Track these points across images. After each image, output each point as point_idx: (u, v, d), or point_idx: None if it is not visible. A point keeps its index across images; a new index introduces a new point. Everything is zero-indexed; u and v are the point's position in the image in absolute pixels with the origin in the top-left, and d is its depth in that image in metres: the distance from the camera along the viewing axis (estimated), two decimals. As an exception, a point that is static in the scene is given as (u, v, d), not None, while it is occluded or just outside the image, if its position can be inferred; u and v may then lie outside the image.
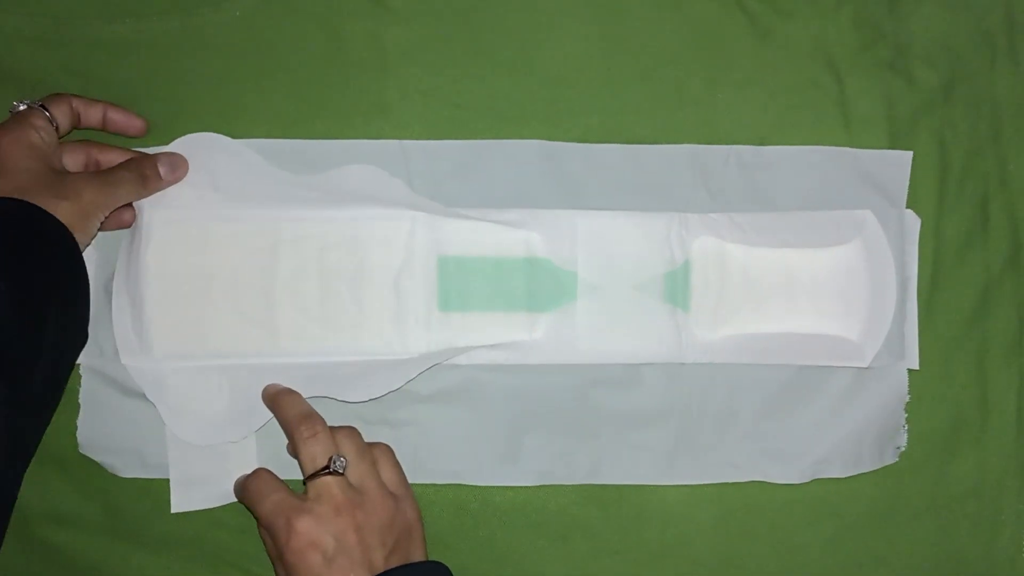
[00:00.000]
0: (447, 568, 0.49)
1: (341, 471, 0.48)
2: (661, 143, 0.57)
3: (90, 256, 0.55)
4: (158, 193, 0.54)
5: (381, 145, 0.56)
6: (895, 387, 0.56)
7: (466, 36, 0.57)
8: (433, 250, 0.55)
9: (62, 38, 0.57)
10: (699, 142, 0.57)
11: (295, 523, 0.47)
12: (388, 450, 0.52)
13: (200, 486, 0.54)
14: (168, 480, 0.54)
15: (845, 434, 0.56)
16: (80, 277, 0.49)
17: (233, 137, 0.56)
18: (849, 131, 0.57)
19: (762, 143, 0.57)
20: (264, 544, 0.50)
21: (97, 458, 0.54)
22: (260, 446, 0.54)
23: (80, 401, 0.54)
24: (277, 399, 0.52)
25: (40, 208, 0.47)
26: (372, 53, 0.57)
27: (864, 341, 0.55)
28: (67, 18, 0.57)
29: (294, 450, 0.50)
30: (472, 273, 0.55)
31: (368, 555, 0.47)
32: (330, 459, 0.49)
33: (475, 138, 0.56)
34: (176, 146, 0.55)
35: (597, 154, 0.56)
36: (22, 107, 0.51)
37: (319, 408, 0.52)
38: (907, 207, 0.57)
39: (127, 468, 0.54)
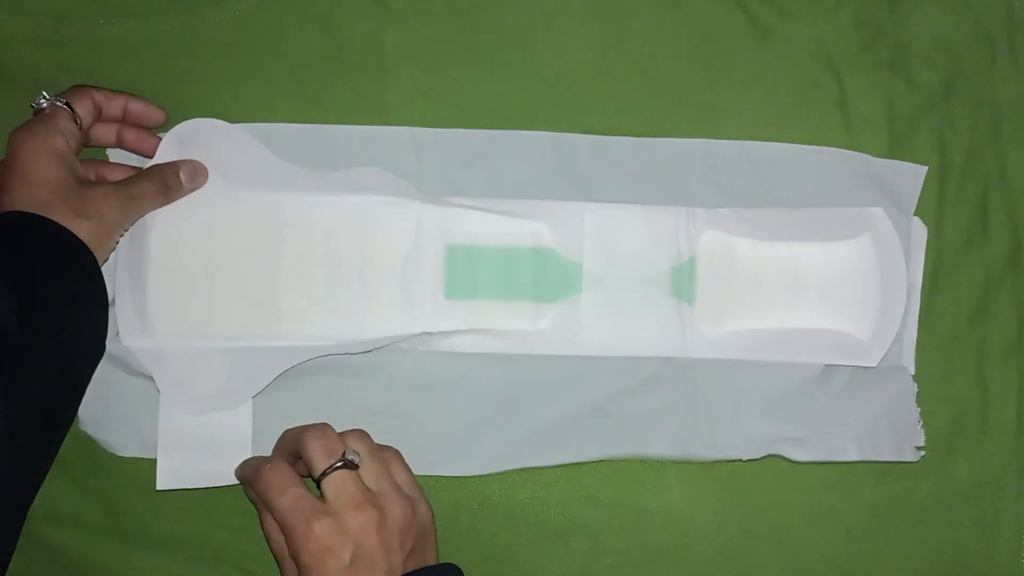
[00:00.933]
0: (460, 571, 0.49)
1: (355, 464, 0.47)
2: (661, 143, 0.57)
3: None
4: None
5: (392, 132, 0.56)
6: (901, 386, 0.56)
7: (466, 36, 0.57)
8: (441, 238, 0.55)
9: (62, 38, 0.57)
10: (699, 142, 0.57)
11: (314, 525, 0.45)
12: (397, 453, 0.51)
13: (189, 464, 0.53)
14: None
15: (856, 419, 0.55)
16: (96, 291, 0.49)
17: (233, 137, 0.56)
18: (849, 131, 0.57)
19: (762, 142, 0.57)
20: (267, 535, 0.49)
21: (97, 436, 0.54)
22: (256, 429, 0.54)
23: None
24: (282, 436, 0.51)
25: (60, 226, 0.47)
26: (372, 53, 0.57)
27: (873, 340, 0.55)
28: (67, 18, 0.57)
29: (305, 457, 0.48)
30: (479, 262, 0.55)
31: (388, 557, 0.46)
32: (343, 453, 0.47)
33: (475, 138, 0.57)
34: (180, 130, 0.54)
35: (606, 146, 0.56)
36: (44, 103, 0.51)
37: (320, 402, 0.53)
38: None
39: (125, 447, 0.54)
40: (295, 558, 0.46)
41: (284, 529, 0.46)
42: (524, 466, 0.55)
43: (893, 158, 0.57)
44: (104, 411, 0.54)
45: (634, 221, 0.55)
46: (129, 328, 0.54)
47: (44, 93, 0.51)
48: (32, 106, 0.51)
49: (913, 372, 0.56)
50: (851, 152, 0.57)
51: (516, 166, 0.56)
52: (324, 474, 0.46)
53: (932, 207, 0.57)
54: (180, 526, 0.55)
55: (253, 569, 0.55)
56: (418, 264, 0.55)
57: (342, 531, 0.45)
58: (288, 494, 0.46)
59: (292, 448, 0.49)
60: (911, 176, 0.57)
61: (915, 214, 0.57)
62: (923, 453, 0.56)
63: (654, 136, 0.57)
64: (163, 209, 0.54)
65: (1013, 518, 0.57)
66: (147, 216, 0.54)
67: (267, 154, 0.55)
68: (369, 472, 0.48)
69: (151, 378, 0.54)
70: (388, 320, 0.54)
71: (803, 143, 0.57)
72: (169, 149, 0.54)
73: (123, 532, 0.54)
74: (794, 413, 0.55)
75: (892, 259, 0.56)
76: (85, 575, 0.54)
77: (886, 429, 0.56)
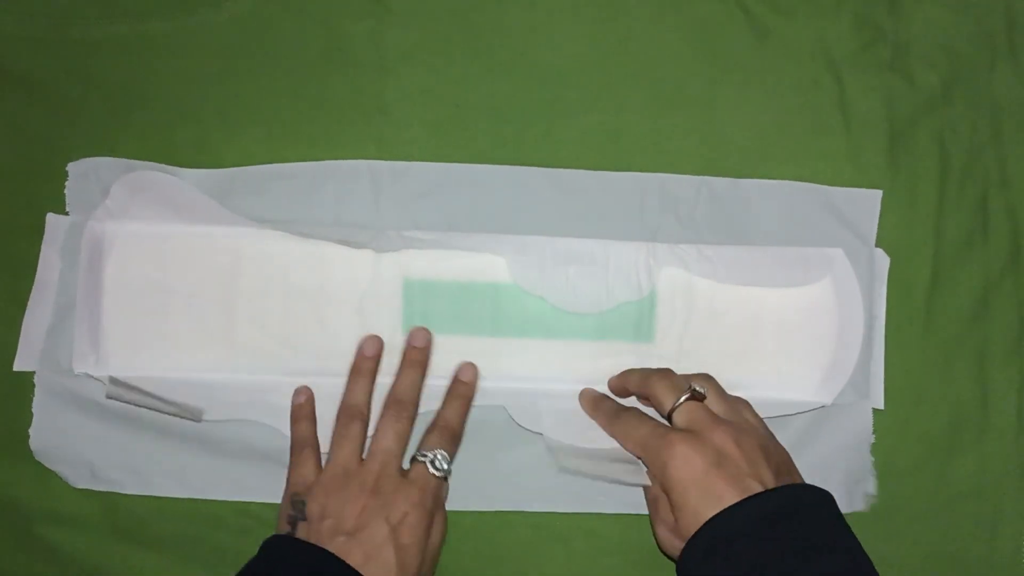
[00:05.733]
0: (831, 497, 0.47)
1: (702, 395, 0.48)
2: (661, 143, 0.57)
3: (54, 266, 0.55)
4: (120, 207, 0.54)
5: (349, 165, 0.55)
6: (860, 425, 0.55)
7: (466, 36, 0.57)
8: (399, 273, 0.55)
9: (62, 38, 0.57)
10: (699, 142, 0.57)
11: (674, 439, 0.46)
12: (746, 401, 0.51)
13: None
14: (159, 491, 0.54)
15: (808, 471, 0.55)
16: None
17: (233, 137, 0.56)
18: (849, 131, 0.57)
19: (762, 143, 0.57)
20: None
21: (50, 467, 0.54)
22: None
23: (33, 410, 0.54)
24: (623, 378, 0.54)
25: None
26: (372, 53, 0.57)
27: (827, 379, 0.55)
28: (67, 18, 0.57)
29: (652, 396, 0.50)
30: (437, 297, 0.55)
31: (752, 467, 0.46)
32: (689, 387, 0.49)
33: (475, 137, 0.56)
34: (134, 178, 0.54)
35: (565, 180, 0.56)
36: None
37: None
38: (907, 209, 0.57)
39: (78, 479, 0.54)
40: (661, 474, 0.47)
41: (646, 455, 0.48)
42: (490, 509, 0.55)
43: (893, 158, 0.57)
44: (56, 444, 0.54)
45: (595, 255, 0.55)
46: (84, 359, 0.54)
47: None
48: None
49: (882, 406, 0.56)
50: (809, 184, 0.56)
51: (475, 199, 0.55)
52: (674, 408, 0.48)
53: (932, 207, 0.57)
54: (180, 526, 0.55)
55: (253, 569, 0.55)
56: (376, 298, 0.54)
57: (701, 442, 0.46)
58: (645, 425, 0.49)
59: (638, 390, 0.52)
60: (867, 202, 0.56)
61: (915, 215, 0.57)
62: (874, 500, 0.56)
63: (654, 136, 0.57)
64: (119, 240, 0.54)
65: (1013, 518, 0.57)
66: (104, 246, 0.54)
67: (217, 206, 0.54)
68: (716, 404, 0.49)
69: (101, 413, 0.54)
70: (346, 355, 0.54)
71: (803, 143, 0.57)
72: (121, 193, 0.54)
73: (123, 532, 0.54)
74: None
75: (850, 300, 0.55)
76: (85, 575, 0.54)
77: (840, 476, 0.55)
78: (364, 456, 0.51)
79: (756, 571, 0.43)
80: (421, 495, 0.49)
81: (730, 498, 0.44)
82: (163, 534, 0.54)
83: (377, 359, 0.54)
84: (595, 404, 0.54)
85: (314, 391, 0.54)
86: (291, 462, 0.52)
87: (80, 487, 0.54)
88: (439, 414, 0.53)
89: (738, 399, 0.51)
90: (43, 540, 0.54)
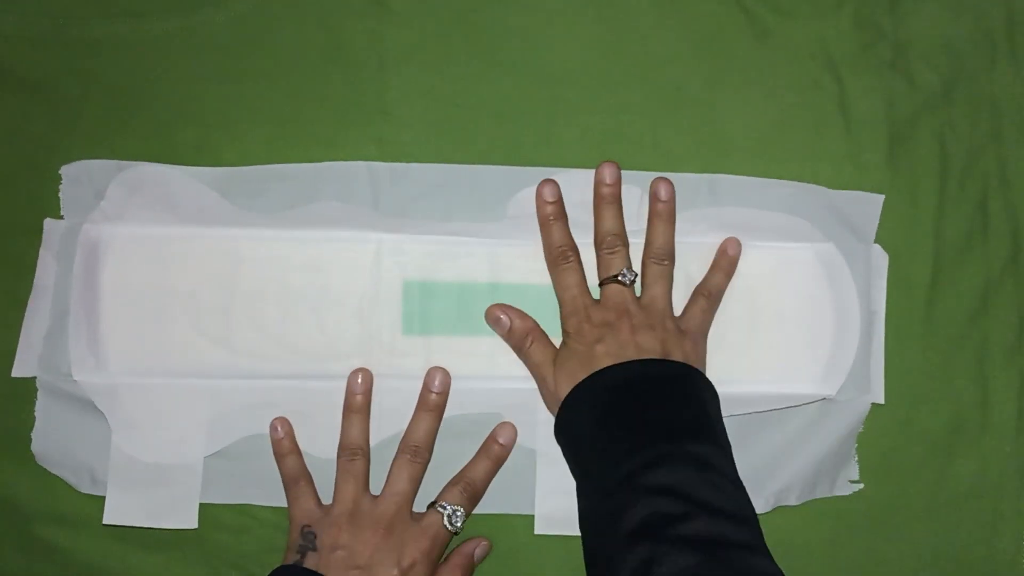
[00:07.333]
0: (690, 369, 0.50)
1: (627, 283, 0.52)
2: (661, 143, 0.57)
3: (51, 270, 0.54)
4: (116, 209, 0.54)
5: (348, 167, 0.55)
6: (857, 421, 0.56)
7: (466, 36, 0.57)
8: (398, 274, 0.55)
9: (62, 38, 0.57)
10: (699, 142, 0.57)
11: (578, 318, 0.52)
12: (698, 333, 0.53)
13: (138, 503, 0.53)
14: None
15: (804, 463, 0.54)
16: None
17: (233, 138, 0.56)
18: (849, 131, 0.57)
19: (762, 143, 0.57)
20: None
21: (52, 471, 0.54)
22: (215, 473, 0.54)
23: (36, 414, 0.54)
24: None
25: None
26: (372, 53, 0.57)
27: (826, 373, 0.55)
28: (67, 18, 0.57)
29: (599, 264, 0.53)
30: (437, 298, 0.55)
31: (623, 352, 0.49)
32: (621, 271, 0.52)
33: (475, 137, 0.57)
34: (126, 176, 0.54)
35: (565, 178, 0.56)
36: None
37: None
38: (907, 208, 0.57)
39: (81, 484, 0.54)
40: (566, 333, 0.52)
41: (562, 308, 0.53)
42: (490, 511, 0.54)
43: (893, 158, 0.57)
44: (58, 448, 0.54)
45: (593, 253, 0.54)
46: (82, 363, 0.53)
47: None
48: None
49: (882, 401, 0.56)
50: (810, 185, 0.56)
51: (474, 200, 0.55)
52: (600, 284, 0.53)
53: (932, 207, 0.57)
54: (180, 526, 0.55)
55: (252, 569, 0.55)
56: (375, 299, 0.54)
57: (602, 323, 0.51)
58: (572, 290, 0.53)
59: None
60: (869, 205, 0.57)
61: (916, 215, 0.57)
62: (860, 486, 0.56)
63: (653, 136, 0.57)
64: (115, 243, 0.54)
65: (1013, 518, 0.56)
66: (100, 249, 0.54)
67: (217, 198, 0.54)
68: (660, 296, 0.53)
69: (103, 416, 0.53)
70: (346, 356, 0.54)
71: (803, 143, 0.57)
72: (117, 194, 0.54)
73: (123, 532, 0.54)
74: (747, 456, 0.54)
75: (845, 293, 0.55)
76: (85, 575, 0.54)
77: (828, 466, 0.55)
78: (371, 492, 0.52)
79: (586, 440, 0.47)
80: (431, 545, 0.50)
81: (582, 375, 0.49)
82: (163, 534, 0.54)
83: (368, 393, 0.54)
84: (545, 225, 0.54)
85: (313, 394, 0.54)
86: (289, 496, 0.53)
87: (83, 492, 0.54)
88: (467, 470, 0.53)
89: (693, 335, 0.52)
90: (43, 540, 0.54)
